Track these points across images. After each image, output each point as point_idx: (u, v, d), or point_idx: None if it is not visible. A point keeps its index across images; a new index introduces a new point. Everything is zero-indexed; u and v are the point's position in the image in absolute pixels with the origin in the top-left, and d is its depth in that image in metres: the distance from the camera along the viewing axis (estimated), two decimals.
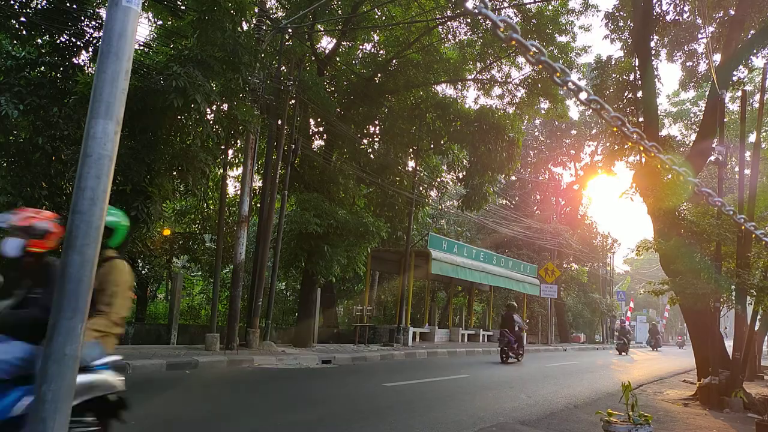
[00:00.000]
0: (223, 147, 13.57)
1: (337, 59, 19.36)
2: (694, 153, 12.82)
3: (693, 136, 20.17)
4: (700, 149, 12.54)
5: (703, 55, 17.00)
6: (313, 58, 18.33)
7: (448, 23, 18.89)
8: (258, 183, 16.52)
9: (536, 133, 39.23)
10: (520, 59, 19.04)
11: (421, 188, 21.02)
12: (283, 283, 22.19)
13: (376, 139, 21.14)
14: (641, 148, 2.27)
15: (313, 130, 19.23)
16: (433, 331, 23.66)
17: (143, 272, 16.75)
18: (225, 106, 12.07)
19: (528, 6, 17.87)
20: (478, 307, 32.22)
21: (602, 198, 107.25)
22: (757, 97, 16.80)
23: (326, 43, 21.01)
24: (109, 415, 3.24)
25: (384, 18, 18.66)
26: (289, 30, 15.29)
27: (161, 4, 13.43)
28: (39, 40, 11.34)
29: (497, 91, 21.38)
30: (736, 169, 21.74)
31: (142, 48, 12.73)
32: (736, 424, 8.32)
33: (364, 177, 18.36)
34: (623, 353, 26.72)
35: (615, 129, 2.14)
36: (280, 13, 18.37)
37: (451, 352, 18.45)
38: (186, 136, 11.15)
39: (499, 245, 33.43)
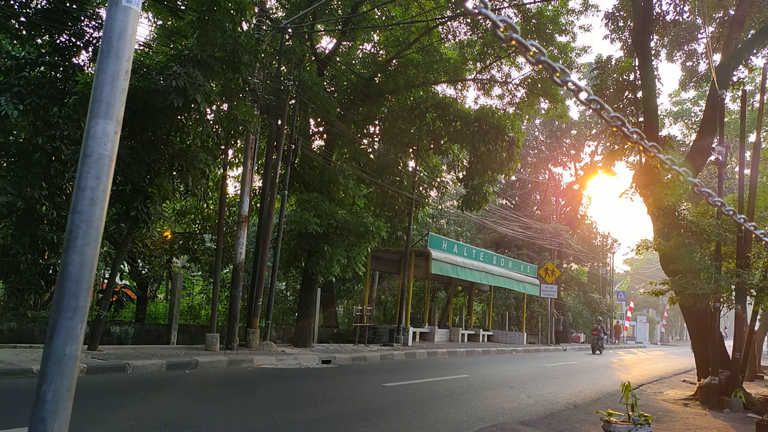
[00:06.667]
0: (223, 147, 13.57)
1: (337, 59, 19.35)
2: (694, 152, 12.83)
3: (694, 136, 20.16)
4: (700, 149, 12.55)
5: (703, 55, 17.01)
6: (313, 58, 18.32)
7: (448, 23, 18.87)
8: (258, 183, 16.51)
9: (536, 133, 39.23)
10: (520, 59, 19.04)
11: (421, 188, 21.00)
12: (283, 283, 22.17)
13: (376, 139, 21.11)
14: (641, 148, 2.27)
15: (313, 130, 19.21)
16: (433, 331, 23.65)
17: (143, 272, 16.73)
18: (225, 106, 12.07)
19: (528, 6, 17.85)
20: (478, 307, 32.21)
21: (602, 198, 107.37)
22: (757, 97, 16.80)
23: (326, 43, 21.03)
24: None
25: (384, 18, 18.65)
26: (289, 30, 15.28)
27: (161, 4, 13.44)
28: (39, 40, 11.36)
29: (497, 91, 21.38)
30: (736, 168, 21.74)
31: (142, 48, 12.74)
32: (736, 424, 8.33)
33: (364, 177, 18.34)
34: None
35: (615, 129, 2.14)
36: (280, 13, 18.36)
37: (451, 352, 18.45)
38: (186, 136, 11.15)
39: (499, 245, 33.43)
